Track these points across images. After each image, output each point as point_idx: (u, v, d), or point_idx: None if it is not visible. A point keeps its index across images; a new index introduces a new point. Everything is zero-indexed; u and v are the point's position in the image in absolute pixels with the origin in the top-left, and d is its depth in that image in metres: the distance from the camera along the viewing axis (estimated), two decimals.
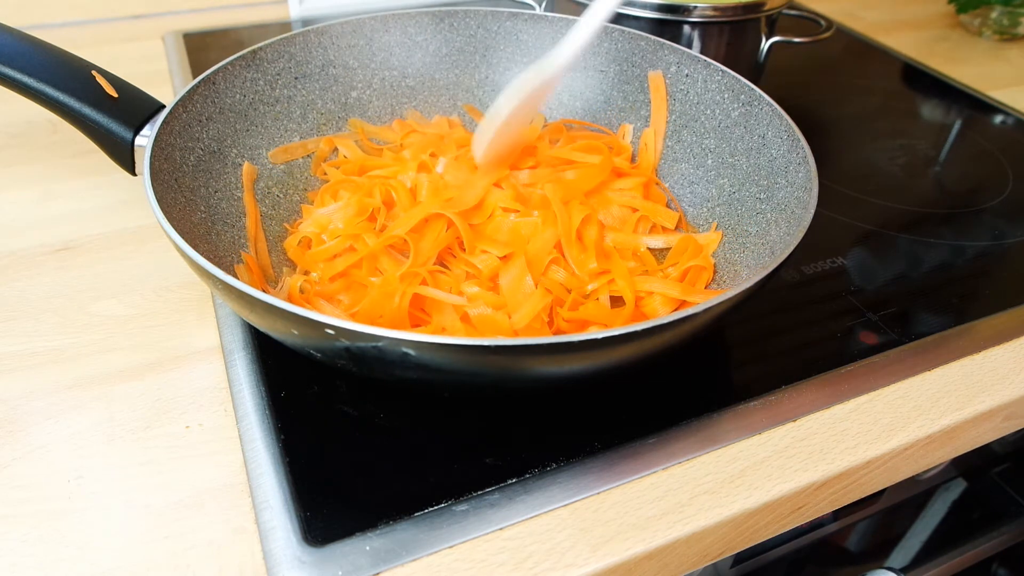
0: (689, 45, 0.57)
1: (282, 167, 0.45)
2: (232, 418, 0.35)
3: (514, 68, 0.52)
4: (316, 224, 0.41)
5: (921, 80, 0.72)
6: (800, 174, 0.38)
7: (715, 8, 0.55)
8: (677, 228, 0.45)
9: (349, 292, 0.39)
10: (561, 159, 0.46)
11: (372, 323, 0.34)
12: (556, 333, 0.37)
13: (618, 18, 0.56)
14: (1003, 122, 0.65)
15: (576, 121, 0.51)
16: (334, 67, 0.49)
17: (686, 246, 0.42)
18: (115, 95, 0.39)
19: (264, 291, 0.30)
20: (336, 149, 0.48)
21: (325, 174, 0.47)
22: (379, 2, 0.79)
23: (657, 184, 0.47)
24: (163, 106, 0.40)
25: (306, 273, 0.40)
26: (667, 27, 0.56)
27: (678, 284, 0.39)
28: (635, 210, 0.44)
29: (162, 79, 0.64)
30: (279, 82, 0.46)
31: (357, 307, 0.37)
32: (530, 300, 0.36)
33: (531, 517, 0.31)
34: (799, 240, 0.32)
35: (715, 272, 0.41)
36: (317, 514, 0.30)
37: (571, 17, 0.50)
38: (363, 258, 0.39)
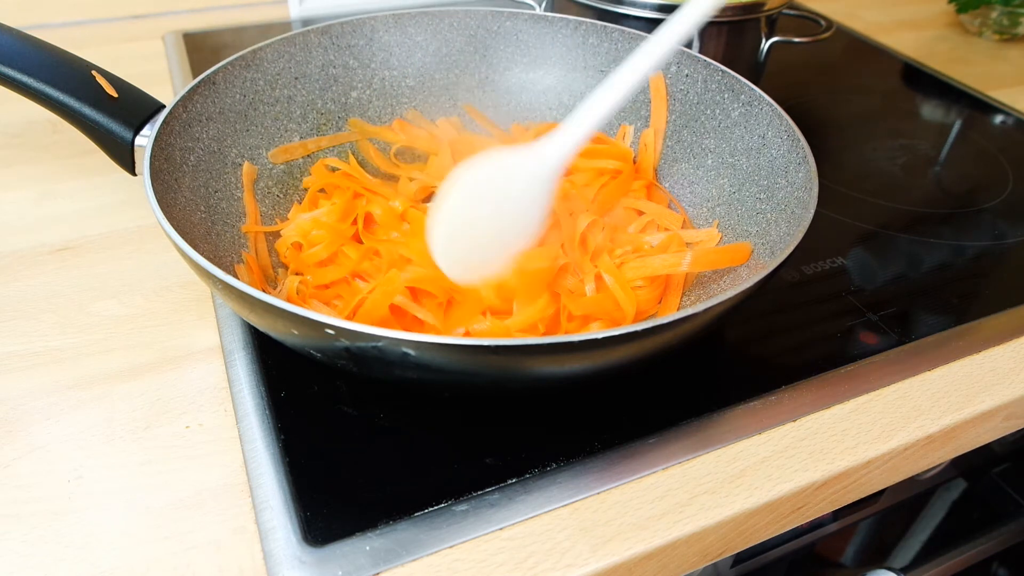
0: (689, 45, 0.57)
1: (282, 167, 0.45)
2: (232, 418, 0.35)
3: (514, 68, 0.52)
4: (298, 229, 0.41)
5: (921, 80, 0.72)
6: (800, 174, 0.38)
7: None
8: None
9: (342, 299, 0.39)
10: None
11: (373, 323, 0.34)
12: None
13: (618, 18, 0.56)
14: (1003, 122, 0.65)
15: None
16: (334, 67, 0.49)
17: (670, 242, 0.42)
18: (115, 95, 0.39)
19: (264, 291, 0.30)
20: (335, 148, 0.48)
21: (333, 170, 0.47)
22: (379, 2, 0.79)
23: (656, 185, 0.47)
24: (163, 106, 0.40)
25: (299, 274, 0.40)
26: None
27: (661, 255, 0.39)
28: (640, 213, 0.44)
29: (162, 79, 0.64)
30: (279, 82, 0.46)
31: (353, 307, 0.37)
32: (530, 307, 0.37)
33: (531, 517, 0.31)
34: (799, 240, 0.32)
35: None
36: (317, 514, 0.30)
37: (571, 17, 0.50)
38: (350, 274, 0.39)
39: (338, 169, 0.46)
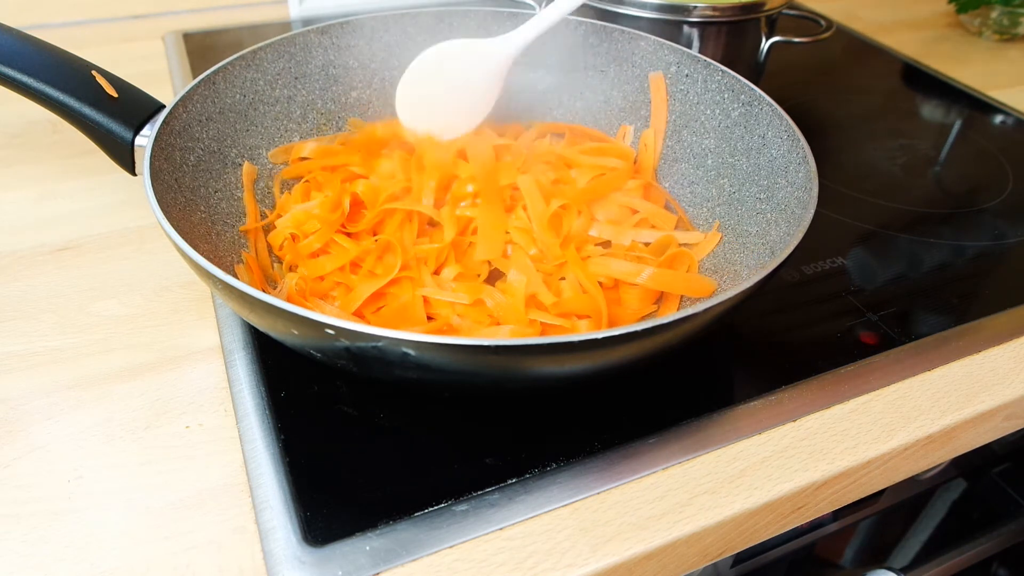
0: (689, 45, 0.57)
1: (282, 167, 0.45)
2: (232, 418, 0.35)
3: (514, 68, 0.52)
4: (292, 221, 0.41)
5: (921, 80, 0.72)
6: (800, 174, 0.38)
7: (715, 8, 0.55)
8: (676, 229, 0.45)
9: (339, 288, 0.39)
10: (562, 158, 0.46)
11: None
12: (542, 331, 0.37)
13: (618, 18, 0.56)
14: (1003, 122, 0.65)
15: (576, 126, 0.51)
16: (334, 67, 0.49)
17: (667, 243, 0.42)
18: (115, 95, 0.39)
19: (264, 291, 0.30)
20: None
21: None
22: (379, 2, 0.79)
23: (655, 186, 0.47)
24: (163, 106, 0.40)
25: (292, 269, 0.40)
26: (667, 27, 0.55)
27: (637, 263, 0.39)
28: (634, 211, 0.44)
29: (162, 79, 0.64)
30: (279, 82, 0.46)
31: (358, 301, 0.37)
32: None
33: (531, 517, 0.31)
34: (799, 240, 0.32)
35: (708, 270, 0.41)
36: (317, 514, 0.30)
37: (571, 17, 0.50)
38: (346, 262, 0.39)
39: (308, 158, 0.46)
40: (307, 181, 0.44)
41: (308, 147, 0.46)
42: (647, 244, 0.43)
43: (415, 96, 0.42)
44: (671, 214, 0.44)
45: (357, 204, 0.43)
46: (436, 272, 0.39)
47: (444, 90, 0.43)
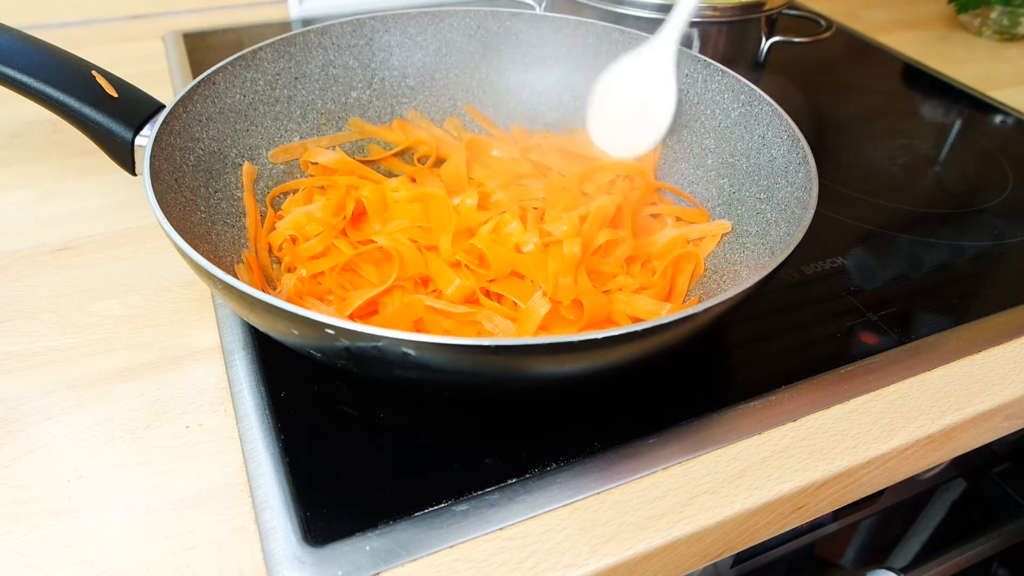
0: (689, 45, 0.57)
1: (282, 167, 0.45)
2: (232, 418, 0.35)
3: (514, 68, 0.52)
4: (293, 223, 0.41)
5: (921, 80, 0.72)
6: (800, 174, 0.38)
7: (715, 8, 0.55)
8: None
9: (344, 288, 0.39)
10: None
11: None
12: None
13: (618, 18, 0.56)
14: (1003, 122, 0.65)
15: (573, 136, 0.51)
16: (334, 67, 0.49)
17: (675, 244, 0.42)
18: (115, 95, 0.39)
19: (264, 291, 0.30)
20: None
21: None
22: (379, 2, 0.79)
23: (659, 188, 0.47)
24: (163, 106, 0.40)
25: (291, 270, 0.40)
26: None
27: (650, 302, 0.38)
28: (657, 215, 0.44)
29: (162, 79, 0.64)
30: (279, 82, 0.46)
31: (351, 308, 0.37)
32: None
33: (531, 517, 0.31)
34: (799, 240, 0.32)
35: (709, 270, 0.41)
36: (317, 514, 0.30)
37: (571, 17, 0.50)
38: (342, 265, 0.39)
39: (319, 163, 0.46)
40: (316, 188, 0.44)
41: (325, 156, 0.46)
42: (661, 244, 0.43)
43: (605, 121, 0.44)
44: (701, 210, 0.44)
45: (360, 212, 0.43)
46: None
47: (631, 108, 0.44)
